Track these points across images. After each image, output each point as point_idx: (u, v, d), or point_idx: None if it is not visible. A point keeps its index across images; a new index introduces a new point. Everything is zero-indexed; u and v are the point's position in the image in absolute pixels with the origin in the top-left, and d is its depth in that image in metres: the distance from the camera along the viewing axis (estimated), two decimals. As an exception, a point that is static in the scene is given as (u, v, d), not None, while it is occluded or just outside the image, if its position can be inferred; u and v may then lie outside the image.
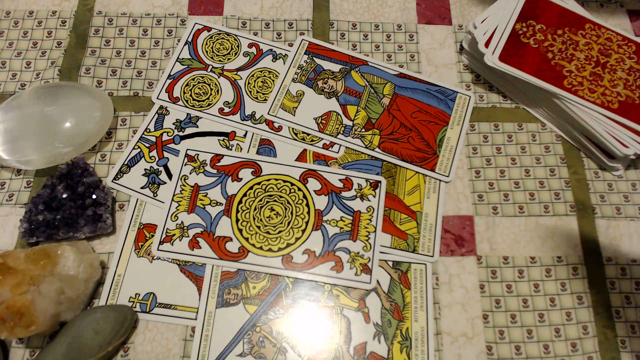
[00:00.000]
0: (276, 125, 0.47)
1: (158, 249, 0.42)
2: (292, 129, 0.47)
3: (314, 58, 0.50)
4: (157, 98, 0.48)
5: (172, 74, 0.49)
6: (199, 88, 0.48)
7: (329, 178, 0.45)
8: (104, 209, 0.42)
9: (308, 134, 0.47)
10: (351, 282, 0.41)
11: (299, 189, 0.44)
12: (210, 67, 0.49)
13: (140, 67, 0.49)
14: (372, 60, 0.50)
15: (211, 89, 0.48)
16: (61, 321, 0.38)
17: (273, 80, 0.49)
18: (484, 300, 0.42)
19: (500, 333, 0.41)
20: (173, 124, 0.47)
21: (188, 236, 0.42)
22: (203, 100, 0.48)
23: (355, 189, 0.45)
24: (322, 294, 0.41)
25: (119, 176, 0.44)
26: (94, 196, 0.42)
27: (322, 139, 0.47)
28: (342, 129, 0.47)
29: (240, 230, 0.42)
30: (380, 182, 0.45)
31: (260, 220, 0.43)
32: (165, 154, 0.46)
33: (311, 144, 0.46)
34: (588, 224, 0.45)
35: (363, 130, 0.47)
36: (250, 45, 0.51)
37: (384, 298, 0.41)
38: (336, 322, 0.40)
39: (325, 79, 0.49)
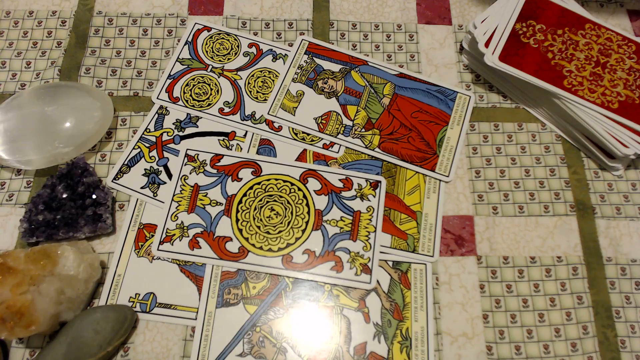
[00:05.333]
0: (276, 125, 0.47)
1: (158, 249, 0.42)
2: (292, 129, 0.47)
3: (314, 58, 0.50)
4: (157, 98, 0.48)
5: (172, 74, 0.49)
6: (199, 88, 0.48)
7: (329, 178, 0.45)
8: (104, 209, 0.42)
9: (308, 134, 0.47)
10: (351, 282, 0.41)
11: (299, 189, 0.44)
12: (210, 67, 0.49)
13: (140, 67, 0.49)
14: (372, 60, 0.50)
15: (211, 89, 0.48)
16: (61, 321, 0.38)
17: (273, 80, 0.49)
18: (484, 300, 0.42)
19: (500, 333, 0.41)
20: (173, 124, 0.47)
21: (188, 236, 0.42)
22: (203, 100, 0.48)
23: (355, 189, 0.45)
24: (322, 294, 0.41)
25: (119, 176, 0.44)
26: (94, 196, 0.42)
27: (322, 139, 0.47)
28: (342, 129, 0.47)
29: (240, 230, 0.42)
30: (380, 182, 0.45)
31: (260, 220, 0.43)
32: (165, 154, 0.46)
33: (311, 144, 0.46)
34: (588, 224, 0.45)
35: (363, 130, 0.47)
36: (250, 45, 0.51)
37: (384, 298, 0.41)
38: (336, 322, 0.40)
39: (325, 79, 0.49)
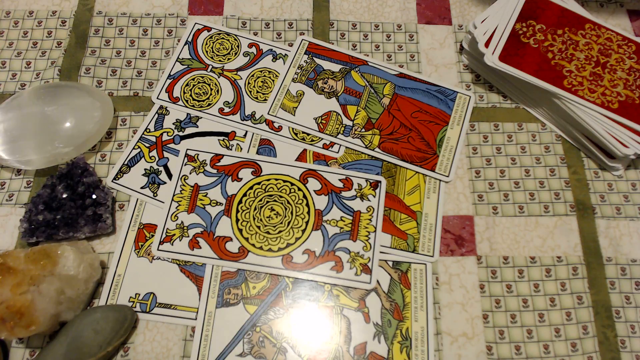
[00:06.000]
0: (276, 125, 0.47)
1: (158, 249, 0.42)
2: (292, 129, 0.47)
3: (314, 58, 0.50)
4: (157, 98, 0.48)
5: (172, 74, 0.49)
6: (199, 88, 0.48)
7: (329, 178, 0.45)
8: (104, 209, 0.42)
9: (308, 134, 0.47)
10: (351, 282, 0.41)
11: (299, 189, 0.44)
12: (210, 67, 0.49)
13: (140, 67, 0.49)
14: (372, 60, 0.50)
15: (211, 89, 0.48)
16: (61, 321, 0.38)
17: (273, 80, 0.49)
18: (484, 300, 0.42)
19: (500, 333, 0.41)
20: (173, 124, 0.47)
21: (188, 236, 0.42)
22: (203, 100, 0.48)
23: (355, 189, 0.45)
24: (322, 294, 0.41)
25: (119, 176, 0.44)
26: (94, 196, 0.42)
27: (322, 139, 0.47)
28: (342, 129, 0.47)
29: (240, 230, 0.42)
30: (380, 182, 0.45)
31: (260, 220, 0.43)
32: (165, 154, 0.46)
33: (311, 144, 0.46)
34: (588, 224, 0.45)
35: (363, 130, 0.47)
36: (250, 45, 0.51)
37: (384, 298, 0.41)
38: (336, 322, 0.40)
39: (325, 79, 0.49)
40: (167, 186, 0.44)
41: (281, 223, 0.43)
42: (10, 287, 0.35)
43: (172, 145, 0.46)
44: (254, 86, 0.49)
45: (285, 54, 0.50)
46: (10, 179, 0.45)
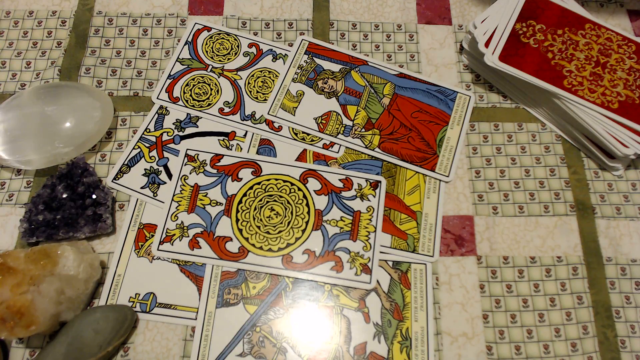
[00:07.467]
0: (276, 125, 0.47)
1: (158, 249, 0.42)
2: (292, 129, 0.47)
3: (314, 58, 0.50)
4: (157, 98, 0.48)
5: (172, 74, 0.49)
6: (199, 88, 0.48)
7: (329, 178, 0.45)
8: (104, 209, 0.42)
9: (308, 134, 0.47)
10: (351, 282, 0.41)
11: (299, 189, 0.44)
12: (210, 67, 0.49)
13: (140, 67, 0.49)
14: (372, 60, 0.50)
15: (211, 89, 0.48)
16: (61, 321, 0.38)
17: (273, 80, 0.49)
18: (484, 300, 0.42)
19: (500, 333, 0.41)
20: (173, 124, 0.47)
21: (188, 236, 0.42)
22: (203, 100, 0.48)
23: (355, 189, 0.45)
24: (322, 294, 0.41)
25: (119, 176, 0.44)
26: (94, 196, 0.42)
27: (322, 139, 0.47)
28: (342, 129, 0.47)
29: (240, 230, 0.43)
30: (380, 182, 0.45)
31: (260, 220, 0.43)
32: (165, 154, 0.46)
33: (311, 144, 0.46)
34: (588, 224, 0.45)
35: (363, 130, 0.47)
36: (250, 45, 0.51)
37: (384, 298, 0.41)
38: (336, 322, 0.40)
39: (325, 79, 0.49)
40: (167, 186, 0.44)
41: (281, 223, 0.43)
42: (10, 287, 0.35)
43: (172, 145, 0.46)
44: (254, 86, 0.49)
45: (285, 54, 0.50)
46: (10, 179, 0.45)
